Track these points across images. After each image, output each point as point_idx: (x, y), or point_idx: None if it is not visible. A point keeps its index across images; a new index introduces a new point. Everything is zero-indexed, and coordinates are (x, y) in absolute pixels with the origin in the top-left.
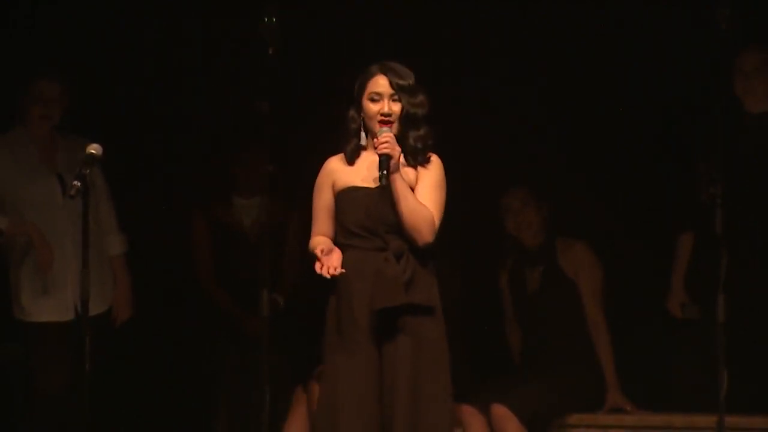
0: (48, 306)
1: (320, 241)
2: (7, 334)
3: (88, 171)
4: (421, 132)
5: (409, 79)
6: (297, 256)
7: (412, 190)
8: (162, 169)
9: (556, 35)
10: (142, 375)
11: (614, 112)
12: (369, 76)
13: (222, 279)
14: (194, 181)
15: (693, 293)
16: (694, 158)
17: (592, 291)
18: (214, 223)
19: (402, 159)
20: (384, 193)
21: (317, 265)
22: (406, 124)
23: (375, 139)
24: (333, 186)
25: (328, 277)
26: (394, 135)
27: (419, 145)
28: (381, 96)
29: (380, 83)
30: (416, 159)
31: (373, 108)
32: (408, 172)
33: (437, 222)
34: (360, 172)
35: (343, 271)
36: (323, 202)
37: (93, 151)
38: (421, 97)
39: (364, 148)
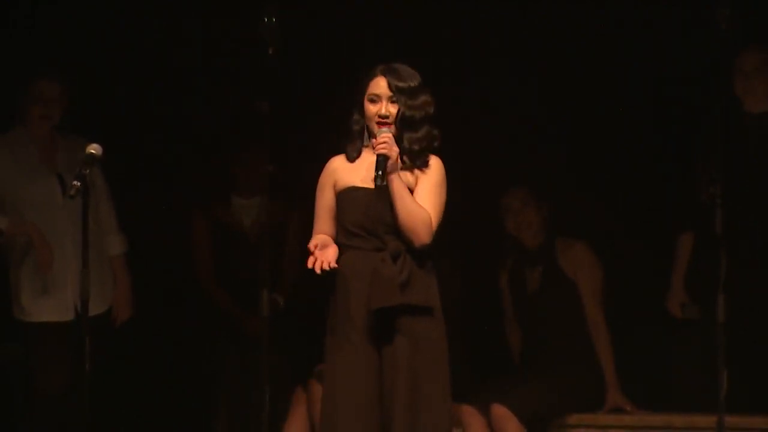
0: (48, 306)
1: (318, 238)
2: (7, 334)
3: (87, 171)
4: (419, 134)
5: (411, 81)
6: (297, 256)
7: (412, 191)
8: (162, 169)
9: (556, 35)
10: (142, 375)
11: (614, 112)
12: (370, 78)
13: (222, 279)
14: (194, 181)
15: (693, 293)
16: (693, 158)
17: (592, 291)
18: (214, 223)
19: (403, 160)
20: (383, 193)
21: (310, 260)
22: (402, 125)
23: (373, 140)
24: (334, 186)
25: (319, 272)
26: (393, 136)
27: (415, 147)
28: (379, 97)
29: (379, 85)
30: (415, 161)
31: (371, 109)
32: (407, 174)
33: (435, 223)
34: (361, 173)
35: (336, 266)
36: (325, 201)
37: (93, 151)
38: (422, 99)
39: (367, 147)
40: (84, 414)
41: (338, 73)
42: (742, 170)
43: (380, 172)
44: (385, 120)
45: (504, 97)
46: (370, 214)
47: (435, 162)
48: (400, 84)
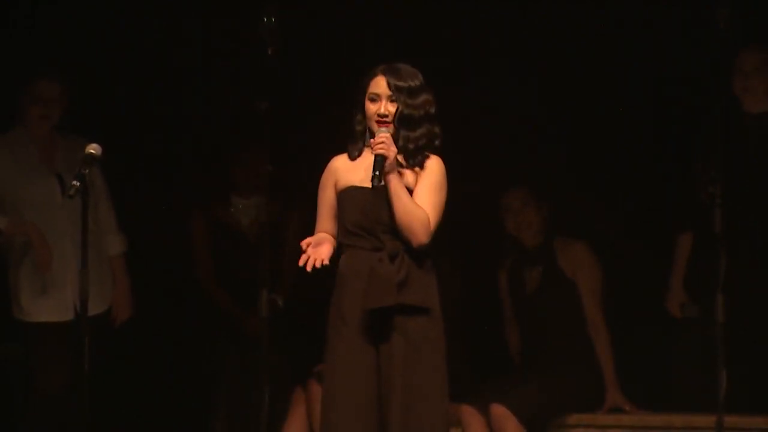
0: (47, 306)
1: (315, 236)
2: (7, 334)
3: (87, 171)
4: (417, 133)
5: (411, 81)
6: (297, 257)
7: (411, 191)
8: (162, 169)
9: (556, 35)
10: (142, 375)
11: (614, 112)
12: (371, 77)
13: (222, 279)
14: (194, 181)
15: (692, 293)
16: (693, 158)
17: (592, 291)
18: (214, 223)
19: (402, 159)
20: (381, 193)
21: (302, 258)
22: (400, 124)
23: (371, 140)
24: (335, 185)
25: (309, 270)
26: (392, 135)
27: (411, 147)
28: (379, 97)
29: (379, 84)
30: (413, 160)
31: (371, 108)
32: (407, 173)
33: (433, 223)
34: (361, 172)
35: (328, 263)
36: (326, 200)
37: (92, 151)
38: (422, 99)
39: (368, 146)
40: (84, 414)
41: (338, 73)
42: (742, 170)
43: (377, 173)
44: (384, 119)
45: (504, 97)
46: (368, 214)
47: (435, 162)
48: (400, 83)
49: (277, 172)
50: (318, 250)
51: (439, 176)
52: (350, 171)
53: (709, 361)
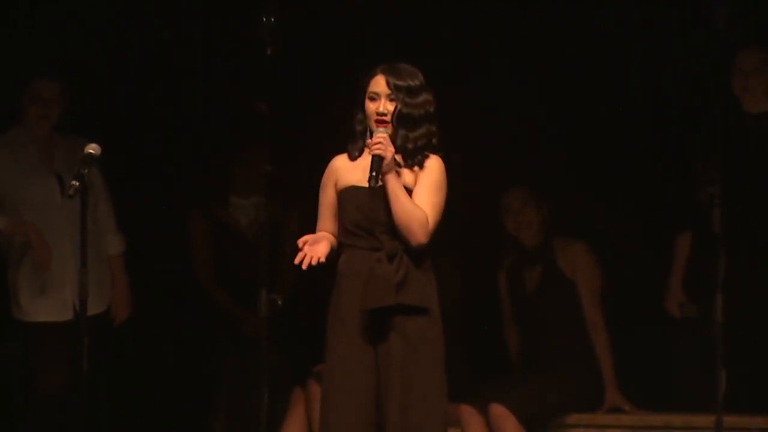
0: (46, 306)
1: (314, 235)
2: (6, 334)
3: (86, 171)
4: (417, 133)
5: (411, 80)
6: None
7: (410, 191)
8: (161, 169)
9: (556, 35)
10: (141, 375)
11: (614, 112)
12: (371, 76)
13: (221, 279)
14: (193, 181)
15: (691, 293)
16: (693, 158)
17: (591, 291)
18: (214, 223)
19: (401, 159)
20: (380, 193)
21: (298, 256)
22: (399, 123)
23: (369, 140)
24: (335, 184)
25: (305, 268)
26: (390, 135)
27: (410, 146)
28: (378, 95)
29: (379, 83)
30: (413, 160)
31: (370, 107)
32: (406, 173)
33: (432, 223)
34: (361, 172)
35: (323, 261)
36: (327, 199)
37: (91, 151)
38: (422, 98)
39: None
40: (83, 414)
41: (338, 73)
42: (741, 170)
43: (374, 173)
44: (383, 117)
45: (504, 97)
46: (367, 214)
47: (435, 162)
48: (399, 82)
49: (276, 172)
50: (314, 247)
51: (439, 176)
52: (350, 171)
53: (709, 361)
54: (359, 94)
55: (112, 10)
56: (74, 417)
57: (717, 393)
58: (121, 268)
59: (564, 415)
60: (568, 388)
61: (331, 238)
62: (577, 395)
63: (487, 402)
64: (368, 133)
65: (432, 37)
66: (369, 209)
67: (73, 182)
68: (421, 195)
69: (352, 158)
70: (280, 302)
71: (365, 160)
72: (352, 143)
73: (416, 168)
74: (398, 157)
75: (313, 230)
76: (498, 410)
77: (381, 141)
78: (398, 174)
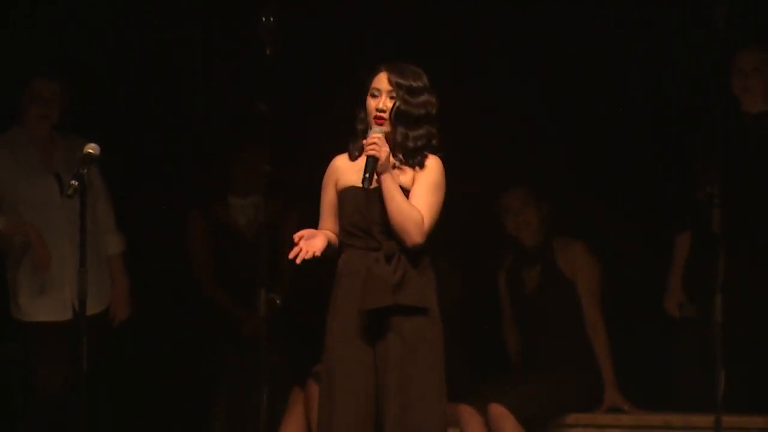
0: (46, 306)
1: (310, 231)
2: (6, 334)
3: (85, 170)
4: (416, 133)
5: (414, 80)
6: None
7: (408, 190)
8: (161, 169)
9: (556, 35)
10: (141, 375)
11: (614, 112)
12: (374, 73)
13: (221, 279)
14: (193, 181)
15: (690, 293)
16: (693, 158)
17: (590, 291)
18: (213, 223)
19: (402, 157)
20: (377, 193)
21: (293, 251)
22: (397, 121)
23: (364, 140)
24: (336, 184)
25: (299, 262)
26: (388, 133)
27: (410, 145)
28: (379, 92)
29: (381, 80)
30: (412, 159)
31: (371, 103)
32: (404, 173)
33: (428, 224)
34: (360, 172)
35: (317, 254)
36: (328, 199)
37: (90, 151)
38: (423, 99)
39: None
40: (82, 414)
41: (338, 73)
42: (740, 170)
43: (367, 175)
44: (381, 114)
45: (504, 97)
46: (365, 214)
47: (434, 162)
48: (401, 80)
49: (276, 172)
50: (310, 242)
51: (437, 176)
52: (350, 171)
53: (708, 361)
54: (363, 92)
55: (112, 10)
56: (74, 417)
57: (716, 393)
58: (120, 267)
59: (563, 414)
60: (567, 388)
61: (331, 235)
62: (577, 395)
63: (487, 402)
64: (369, 130)
65: (432, 37)
66: (366, 210)
67: (72, 182)
68: (418, 195)
69: (353, 158)
70: (278, 301)
71: (364, 159)
72: (353, 142)
73: (415, 168)
74: (391, 158)
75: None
76: (497, 410)
77: (375, 142)
78: (395, 173)
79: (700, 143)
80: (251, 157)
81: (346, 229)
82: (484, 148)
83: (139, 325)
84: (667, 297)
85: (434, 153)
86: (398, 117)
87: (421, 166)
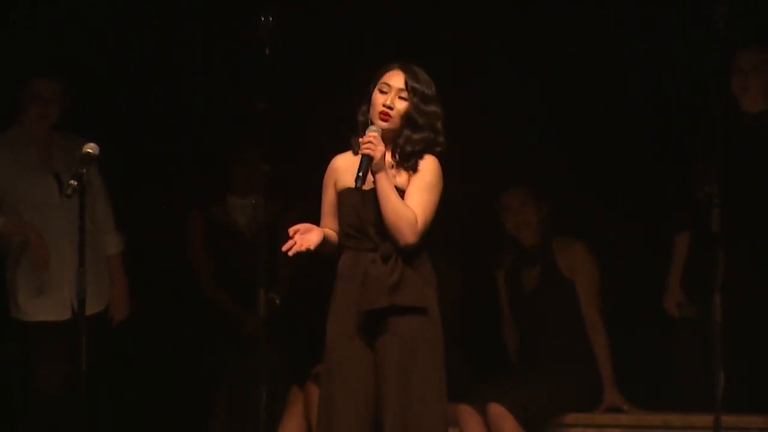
0: (45, 305)
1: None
2: (5, 333)
3: (84, 170)
4: (418, 137)
5: (426, 87)
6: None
7: (404, 191)
8: (160, 169)
9: (556, 35)
10: (141, 374)
11: (614, 112)
12: (387, 69)
13: (220, 279)
14: (193, 181)
15: (690, 293)
16: (693, 158)
17: (590, 291)
18: (213, 223)
19: (397, 156)
20: (373, 195)
21: (287, 244)
22: (408, 124)
23: (360, 138)
24: (335, 184)
25: (290, 255)
26: (395, 131)
27: (408, 148)
28: (390, 89)
29: (394, 76)
30: (407, 162)
31: (379, 98)
32: (400, 173)
33: (421, 224)
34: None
35: (311, 248)
36: (328, 198)
37: (90, 150)
38: (431, 108)
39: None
40: (82, 413)
41: (337, 73)
42: (740, 170)
43: (361, 173)
44: (388, 110)
45: (504, 97)
46: (361, 216)
47: (430, 162)
48: (416, 85)
49: (275, 172)
50: (305, 236)
51: (433, 177)
52: (349, 171)
53: (707, 361)
54: (369, 85)
55: (112, 10)
56: (73, 416)
57: (716, 393)
58: (119, 267)
59: (563, 414)
60: (567, 388)
61: (330, 232)
62: (576, 395)
63: (486, 401)
64: (370, 124)
65: (432, 37)
66: (363, 211)
67: (72, 181)
68: (412, 195)
69: (355, 152)
70: (278, 301)
71: None
72: (355, 136)
73: (409, 171)
74: (388, 157)
75: None
76: (497, 410)
77: (371, 140)
78: (391, 174)
79: (700, 143)
80: (251, 156)
81: (344, 231)
82: (484, 148)
83: (139, 325)
84: (667, 297)
85: (431, 153)
86: (409, 121)
87: (417, 166)
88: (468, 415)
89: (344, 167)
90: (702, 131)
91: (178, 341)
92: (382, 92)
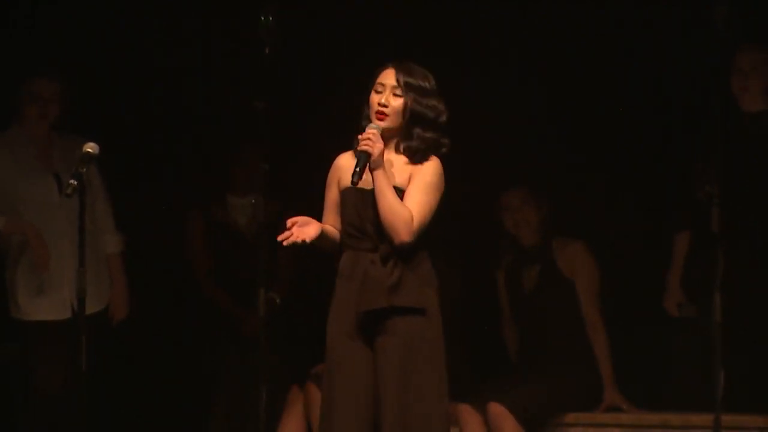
0: (45, 305)
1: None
2: (5, 333)
3: (84, 170)
4: (428, 135)
5: (422, 81)
6: (294, 255)
7: (403, 190)
8: (160, 169)
9: (556, 35)
10: (141, 374)
11: (614, 112)
12: (381, 69)
13: (220, 279)
14: (193, 181)
15: (690, 293)
16: (693, 158)
17: (589, 290)
18: (213, 223)
19: (403, 152)
20: (372, 195)
21: (283, 234)
22: (412, 121)
23: (359, 135)
24: (338, 183)
25: (285, 245)
26: (395, 129)
27: (415, 144)
28: (384, 87)
29: (387, 75)
30: (412, 158)
31: (374, 98)
32: (401, 172)
33: (417, 223)
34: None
35: (307, 240)
36: (331, 196)
37: (89, 150)
38: (433, 102)
39: None
40: (81, 413)
41: (337, 73)
42: (740, 169)
43: (358, 169)
44: (383, 109)
45: (504, 97)
46: (361, 215)
47: (433, 163)
48: (409, 79)
49: (275, 172)
50: (302, 229)
51: (433, 177)
52: (351, 171)
53: (707, 361)
54: (368, 88)
55: (112, 10)
56: (73, 416)
57: (715, 392)
58: (119, 267)
59: (562, 414)
60: (567, 388)
61: (330, 228)
62: (576, 394)
63: (486, 401)
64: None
65: (432, 37)
66: (364, 210)
67: (71, 181)
68: (412, 194)
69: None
70: (278, 301)
71: None
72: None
73: (412, 166)
74: (390, 156)
75: None
76: (496, 409)
77: (370, 137)
78: (391, 173)
79: (700, 143)
80: (251, 156)
81: (346, 230)
82: (484, 148)
83: (139, 324)
84: (667, 297)
85: (436, 154)
86: (412, 117)
87: (420, 164)
88: (468, 415)
89: (348, 166)
90: (702, 131)
91: (178, 341)
92: (377, 92)
